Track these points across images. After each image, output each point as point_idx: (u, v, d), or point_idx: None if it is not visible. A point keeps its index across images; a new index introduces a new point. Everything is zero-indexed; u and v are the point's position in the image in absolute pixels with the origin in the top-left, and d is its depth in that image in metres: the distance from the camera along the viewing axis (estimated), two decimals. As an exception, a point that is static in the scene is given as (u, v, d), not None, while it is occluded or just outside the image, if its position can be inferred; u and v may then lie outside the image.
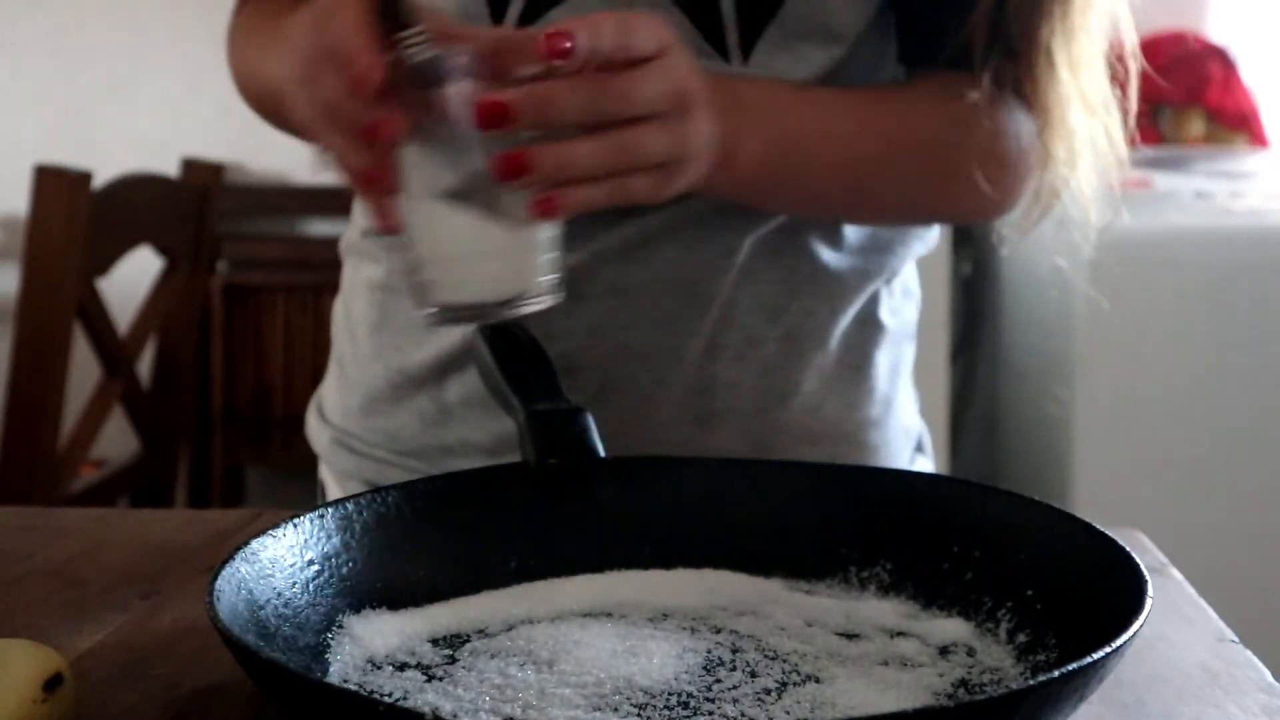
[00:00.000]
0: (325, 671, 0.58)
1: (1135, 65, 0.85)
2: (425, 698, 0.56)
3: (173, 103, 2.81)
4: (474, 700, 0.55)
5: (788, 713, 0.54)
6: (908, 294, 0.97)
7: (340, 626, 0.61)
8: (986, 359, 2.52)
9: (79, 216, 1.76)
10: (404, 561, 0.66)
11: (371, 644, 0.60)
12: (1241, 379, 2.12)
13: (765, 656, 0.60)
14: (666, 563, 0.69)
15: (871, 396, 0.90)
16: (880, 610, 0.65)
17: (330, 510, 0.65)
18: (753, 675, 0.58)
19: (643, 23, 0.68)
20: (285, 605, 0.60)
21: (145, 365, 2.08)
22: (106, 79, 2.83)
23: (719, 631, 0.63)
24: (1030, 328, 2.35)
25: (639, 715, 0.54)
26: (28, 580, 0.72)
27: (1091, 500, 2.05)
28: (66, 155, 1.97)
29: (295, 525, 0.63)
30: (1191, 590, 0.71)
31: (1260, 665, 0.62)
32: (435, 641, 0.62)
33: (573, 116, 0.66)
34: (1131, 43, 0.85)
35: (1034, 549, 0.63)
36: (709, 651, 0.60)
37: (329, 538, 0.64)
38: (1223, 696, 0.58)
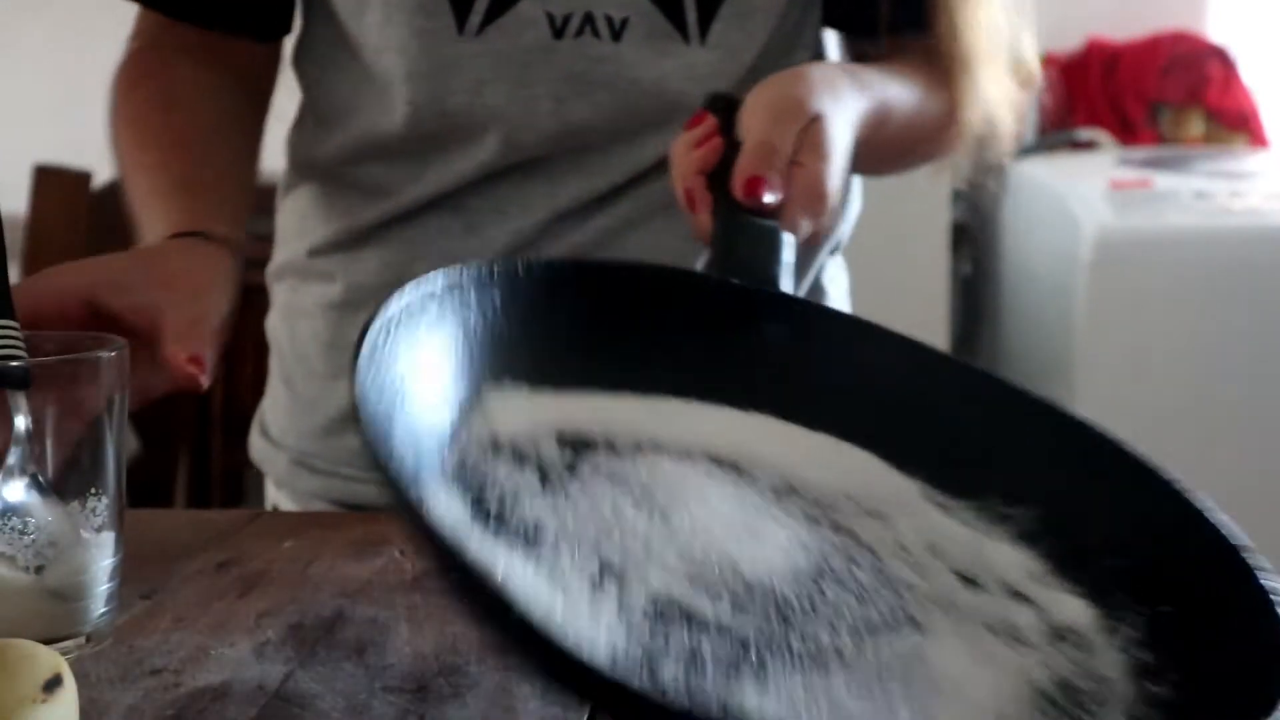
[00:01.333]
0: (453, 437, 0.56)
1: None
2: (531, 509, 0.53)
3: (172, 103, 2.81)
4: (577, 530, 0.53)
5: (877, 658, 0.51)
6: (841, 268, 1.02)
7: (479, 393, 0.59)
8: (986, 359, 2.52)
9: (79, 216, 1.76)
10: (559, 340, 0.63)
11: (499, 421, 0.58)
12: (1241, 379, 2.12)
13: (878, 580, 0.56)
14: (813, 422, 0.65)
15: None
16: (1009, 559, 0.59)
17: (498, 268, 0.62)
18: (858, 599, 0.54)
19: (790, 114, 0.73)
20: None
21: (145, 365, 2.08)
22: (106, 79, 2.83)
23: (839, 530, 0.59)
24: (1030, 328, 2.36)
25: (732, 609, 0.51)
26: (28, 580, 0.71)
27: (1091, 500, 2.05)
28: (66, 155, 1.97)
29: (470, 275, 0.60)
30: (1191, 590, 0.71)
31: (1260, 665, 0.61)
32: (562, 441, 0.59)
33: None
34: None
35: (1199, 575, 0.56)
36: (824, 556, 0.56)
37: (506, 293, 0.61)
38: (1223, 696, 0.58)
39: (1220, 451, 2.11)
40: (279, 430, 0.97)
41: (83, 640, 0.61)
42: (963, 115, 0.90)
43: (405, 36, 0.86)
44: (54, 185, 1.75)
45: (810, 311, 0.69)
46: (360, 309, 0.92)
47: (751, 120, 0.74)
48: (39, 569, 0.60)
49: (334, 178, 0.94)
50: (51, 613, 0.60)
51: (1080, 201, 2.16)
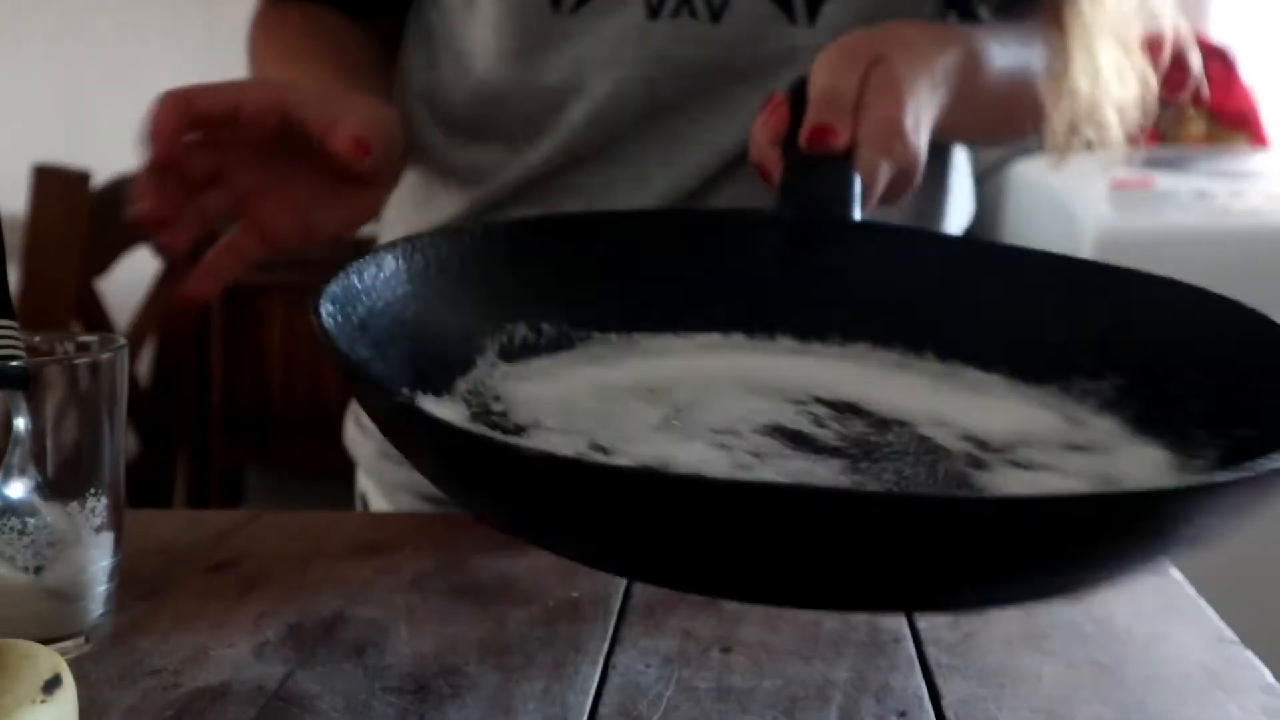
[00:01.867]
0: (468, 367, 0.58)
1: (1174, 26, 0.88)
2: (534, 409, 0.55)
3: (172, 103, 2.81)
4: (577, 421, 0.55)
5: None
6: None
7: (509, 334, 0.61)
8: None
9: (78, 216, 1.76)
10: (595, 287, 0.64)
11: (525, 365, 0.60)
12: (1241, 379, 2.12)
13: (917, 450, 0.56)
14: (881, 339, 0.64)
15: None
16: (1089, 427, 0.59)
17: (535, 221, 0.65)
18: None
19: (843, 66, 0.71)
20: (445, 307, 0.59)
21: (144, 365, 2.08)
22: (106, 79, 2.83)
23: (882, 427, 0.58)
24: (1030, 328, 2.35)
25: (747, 453, 0.53)
26: (27, 580, 0.71)
27: (1091, 500, 2.05)
28: (66, 155, 1.96)
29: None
30: (1191, 590, 0.71)
31: (1260, 665, 0.62)
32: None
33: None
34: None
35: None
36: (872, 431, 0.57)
37: (531, 249, 0.63)
38: (1223, 697, 0.58)
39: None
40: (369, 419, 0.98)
41: (82, 640, 0.61)
42: (1067, 88, 0.85)
43: (501, 14, 0.86)
44: (54, 185, 1.75)
45: (859, 231, 0.68)
46: None
47: (814, 76, 0.72)
48: (38, 569, 0.60)
49: (429, 165, 0.94)
50: (51, 613, 0.60)
51: (1080, 201, 2.16)
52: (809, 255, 0.66)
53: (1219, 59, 2.59)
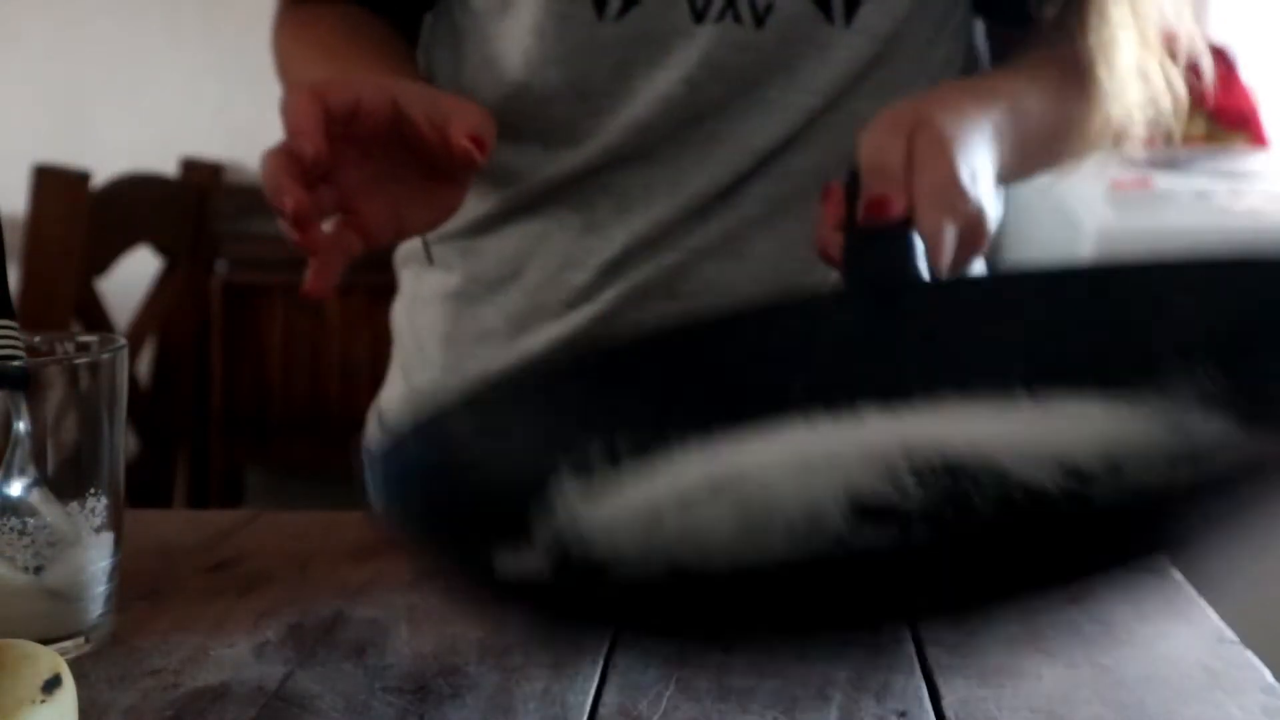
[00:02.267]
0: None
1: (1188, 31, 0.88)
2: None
3: (171, 103, 2.81)
4: None
5: None
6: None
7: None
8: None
9: (78, 216, 1.76)
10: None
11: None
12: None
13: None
14: (964, 385, 0.63)
15: None
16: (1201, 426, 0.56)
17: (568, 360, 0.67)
18: None
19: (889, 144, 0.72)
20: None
21: (144, 365, 2.08)
22: (106, 79, 2.83)
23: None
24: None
25: None
26: (27, 580, 0.71)
27: (1091, 500, 2.05)
28: (66, 155, 1.97)
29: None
30: (1191, 590, 0.71)
31: (1260, 665, 0.62)
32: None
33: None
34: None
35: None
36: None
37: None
38: (1223, 697, 0.58)
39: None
40: (394, 420, 0.97)
41: (82, 640, 0.61)
42: (1099, 106, 0.85)
43: (542, 19, 0.85)
44: (54, 185, 1.75)
45: (926, 289, 0.67)
46: (477, 301, 0.92)
47: (862, 154, 0.73)
48: (38, 569, 0.60)
49: None
50: (51, 613, 0.60)
51: (1080, 201, 2.16)
52: (879, 321, 0.66)
53: (1219, 59, 2.59)
